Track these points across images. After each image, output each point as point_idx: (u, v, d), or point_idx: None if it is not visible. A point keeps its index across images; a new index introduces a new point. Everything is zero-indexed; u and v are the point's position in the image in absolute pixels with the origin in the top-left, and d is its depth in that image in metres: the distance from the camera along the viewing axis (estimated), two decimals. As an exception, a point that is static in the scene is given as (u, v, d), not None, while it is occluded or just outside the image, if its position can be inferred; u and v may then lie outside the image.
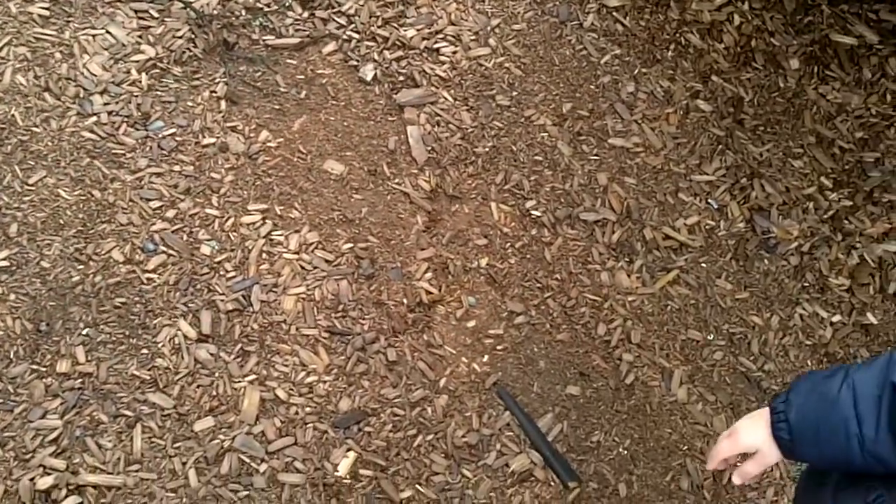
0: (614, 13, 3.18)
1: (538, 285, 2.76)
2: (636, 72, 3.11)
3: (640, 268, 2.82)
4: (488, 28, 3.07)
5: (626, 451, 2.59)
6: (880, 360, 1.37)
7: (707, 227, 2.93)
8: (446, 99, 2.94)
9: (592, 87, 3.07)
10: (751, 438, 1.48)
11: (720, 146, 3.05)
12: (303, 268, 2.64)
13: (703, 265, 2.87)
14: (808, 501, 1.56)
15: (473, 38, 3.05)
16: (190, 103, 2.78)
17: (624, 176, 2.95)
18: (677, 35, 3.21)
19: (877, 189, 3.08)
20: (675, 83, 3.12)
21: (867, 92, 3.27)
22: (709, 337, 2.78)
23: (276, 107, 2.84)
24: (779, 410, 1.44)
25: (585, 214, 2.86)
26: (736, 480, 1.54)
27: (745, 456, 1.51)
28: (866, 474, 1.38)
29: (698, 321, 2.79)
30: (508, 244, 2.80)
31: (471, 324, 2.68)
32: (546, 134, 2.96)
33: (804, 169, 3.07)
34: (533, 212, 2.85)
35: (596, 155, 2.96)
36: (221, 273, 2.58)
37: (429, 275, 2.70)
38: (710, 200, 2.97)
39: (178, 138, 2.73)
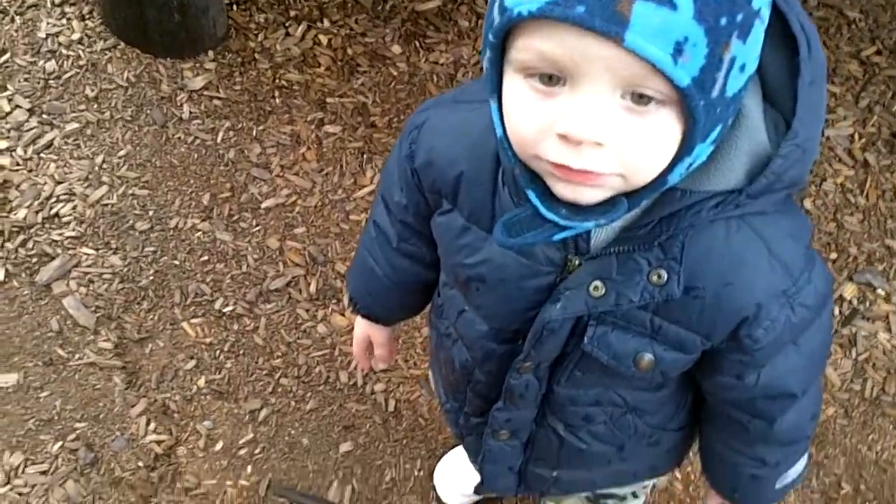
0: (205, 93, 3.14)
1: (265, 372, 2.66)
2: (255, 133, 3.08)
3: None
4: (96, 168, 2.96)
5: (420, 472, 2.52)
6: None
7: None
8: (88, 254, 2.80)
9: (222, 167, 3.01)
10: (358, 331, 1.76)
11: (365, 155, 3.07)
12: (21, 494, 2.41)
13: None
14: None
15: (86, 184, 2.93)
16: None
17: (293, 230, 2.90)
18: (276, 80, 3.21)
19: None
20: (296, 124, 3.12)
21: (472, 41, 3.40)
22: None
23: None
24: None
25: (275, 283, 2.79)
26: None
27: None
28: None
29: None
30: (218, 352, 2.68)
31: (218, 446, 2.53)
32: (200, 232, 2.87)
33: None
34: (225, 309, 2.75)
35: (257, 224, 2.90)
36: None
37: (152, 426, 2.54)
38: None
39: None
